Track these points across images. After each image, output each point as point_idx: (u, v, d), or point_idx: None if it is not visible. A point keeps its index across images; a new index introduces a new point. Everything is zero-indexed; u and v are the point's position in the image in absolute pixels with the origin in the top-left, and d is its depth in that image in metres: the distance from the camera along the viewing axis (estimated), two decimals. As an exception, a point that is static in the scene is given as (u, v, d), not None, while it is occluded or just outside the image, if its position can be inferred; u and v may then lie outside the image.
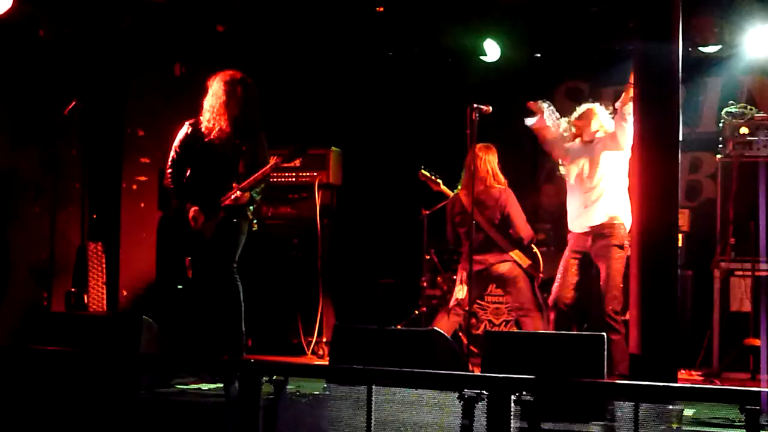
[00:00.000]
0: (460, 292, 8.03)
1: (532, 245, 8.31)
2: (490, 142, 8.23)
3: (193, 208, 7.23)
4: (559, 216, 9.34)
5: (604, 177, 7.50)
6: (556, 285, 7.62)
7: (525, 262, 8.21)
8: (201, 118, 7.35)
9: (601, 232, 7.48)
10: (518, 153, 9.61)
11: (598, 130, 7.64)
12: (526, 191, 8.41)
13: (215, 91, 7.29)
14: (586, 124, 7.69)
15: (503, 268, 8.15)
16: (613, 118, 7.53)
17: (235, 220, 7.23)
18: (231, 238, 7.27)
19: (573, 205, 7.70)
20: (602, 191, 7.53)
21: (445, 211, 8.50)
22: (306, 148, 7.37)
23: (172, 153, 7.40)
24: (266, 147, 7.34)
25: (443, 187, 8.60)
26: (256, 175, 7.12)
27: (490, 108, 7.57)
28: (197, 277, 7.35)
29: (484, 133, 7.99)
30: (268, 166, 7.12)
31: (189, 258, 7.46)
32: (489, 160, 8.18)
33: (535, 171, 10.19)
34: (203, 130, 7.31)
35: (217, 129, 7.26)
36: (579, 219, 7.63)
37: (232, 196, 7.16)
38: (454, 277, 8.43)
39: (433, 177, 8.62)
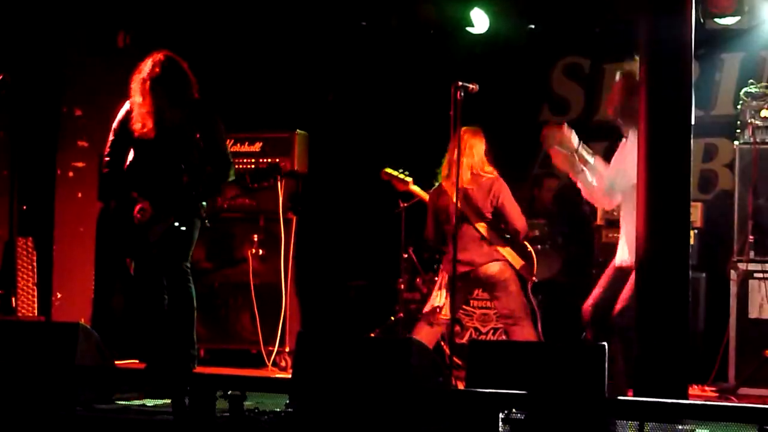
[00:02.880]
0: (438, 298, 8.02)
1: (526, 243, 8.30)
2: (477, 125, 8.23)
3: (141, 202, 7.17)
4: (555, 210, 9.38)
5: None
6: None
7: (518, 262, 8.17)
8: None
9: None
10: (509, 138, 9.62)
11: None
12: (518, 182, 8.38)
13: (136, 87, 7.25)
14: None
15: (493, 269, 8.07)
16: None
17: (184, 228, 7.17)
18: (181, 238, 7.23)
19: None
20: None
21: (425, 203, 8.50)
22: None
23: (111, 135, 7.35)
24: (222, 130, 7.34)
25: (413, 187, 8.56)
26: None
27: (477, 86, 7.58)
28: (141, 277, 7.34)
29: (471, 115, 8.01)
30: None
31: (130, 258, 7.46)
32: (475, 146, 8.16)
33: (531, 160, 10.18)
34: (133, 120, 7.28)
35: (151, 123, 7.22)
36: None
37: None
38: (436, 278, 8.42)
39: (399, 174, 8.59)
